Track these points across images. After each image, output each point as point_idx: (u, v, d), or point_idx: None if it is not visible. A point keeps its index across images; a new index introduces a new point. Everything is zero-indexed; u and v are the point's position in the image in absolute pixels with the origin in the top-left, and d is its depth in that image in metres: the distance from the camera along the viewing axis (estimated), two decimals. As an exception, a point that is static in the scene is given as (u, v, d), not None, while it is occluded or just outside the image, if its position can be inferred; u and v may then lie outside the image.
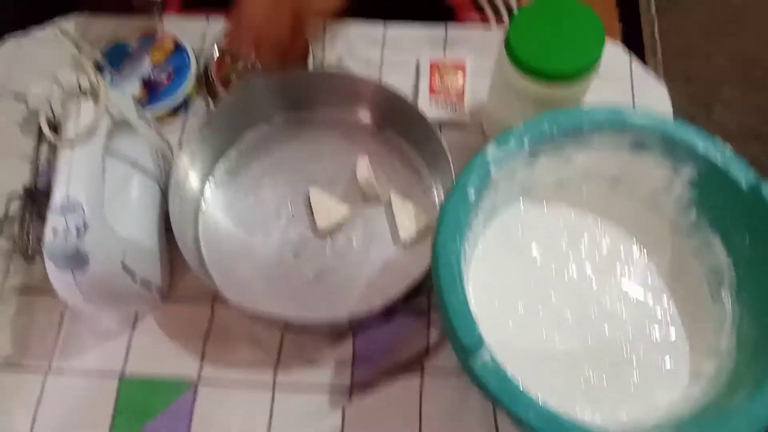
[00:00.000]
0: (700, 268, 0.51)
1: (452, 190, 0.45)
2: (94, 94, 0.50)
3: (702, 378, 0.47)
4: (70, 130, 0.49)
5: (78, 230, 0.46)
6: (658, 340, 0.49)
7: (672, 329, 0.49)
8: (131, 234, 0.52)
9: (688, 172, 0.48)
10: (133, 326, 0.57)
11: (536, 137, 0.47)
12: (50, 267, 0.47)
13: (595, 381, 0.48)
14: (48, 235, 0.46)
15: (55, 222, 0.46)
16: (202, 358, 0.56)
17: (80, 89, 0.50)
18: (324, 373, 0.55)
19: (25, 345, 0.56)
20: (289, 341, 0.56)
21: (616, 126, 0.47)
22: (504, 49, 0.52)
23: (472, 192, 0.45)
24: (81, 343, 0.56)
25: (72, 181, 0.47)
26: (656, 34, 1.02)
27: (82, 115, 0.49)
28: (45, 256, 0.46)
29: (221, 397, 0.54)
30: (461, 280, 0.42)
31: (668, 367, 0.48)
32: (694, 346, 0.49)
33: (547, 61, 0.50)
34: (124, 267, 0.49)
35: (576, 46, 0.51)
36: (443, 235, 0.43)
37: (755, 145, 0.98)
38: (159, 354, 0.56)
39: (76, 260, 0.45)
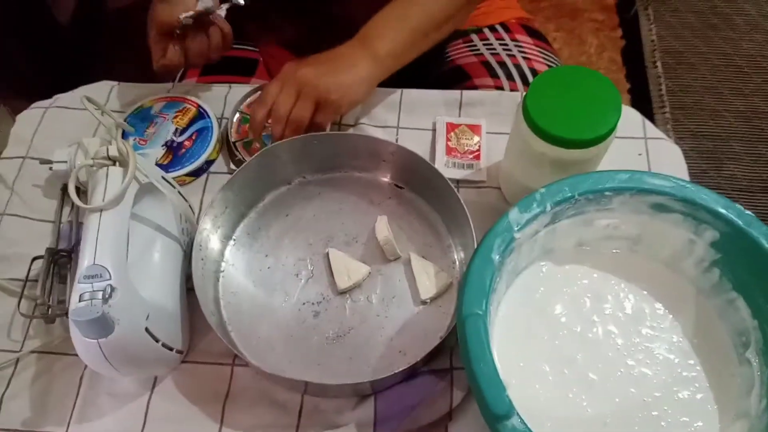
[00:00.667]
0: (725, 329, 0.50)
1: (476, 255, 0.46)
2: (123, 162, 0.52)
3: (734, 441, 0.46)
4: (98, 196, 0.50)
5: (104, 295, 0.46)
6: (685, 401, 0.48)
7: (698, 390, 0.49)
8: (155, 297, 0.52)
9: (709, 234, 0.49)
10: (152, 388, 0.56)
11: (558, 201, 0.47)
12: (74, 332, 0.47)
13: (624, 445, 0.47)
14: (74, 300, 0.46)
15: (81, 288, 0.46)
16: (222, 421, 0.55)
17: (109, 157, 0.51)
18: (345, 437, 0.54)
19: (43, 409, 0.56)
20: (309, 403, 0.56)
21: (637, 189, 0.48)
22: (521, 114, 0.54)
23: (496, 257, 0.45)
24: (99, 406, 0.56)
25: (99, 247, 0.48)
26: (663, 92, 1.04)
27: (110, 182, 0.51)
28: (70, 321, 0.46)
29: (242, 462, 0.53)
30: (489, 346, 0.42)
31: (695, 426, 0.47)
32: (723, 407, 0.48)
33: (565, 128, 0.51)
34: (148, 331, 0.49)
35: (593, 112, 0.52)
36: (469, 300, 0.44)
37: (766, 198, 0.99)
38: (178, 417, 0.55)
39: (102, 325, 0.46)
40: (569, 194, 0.47)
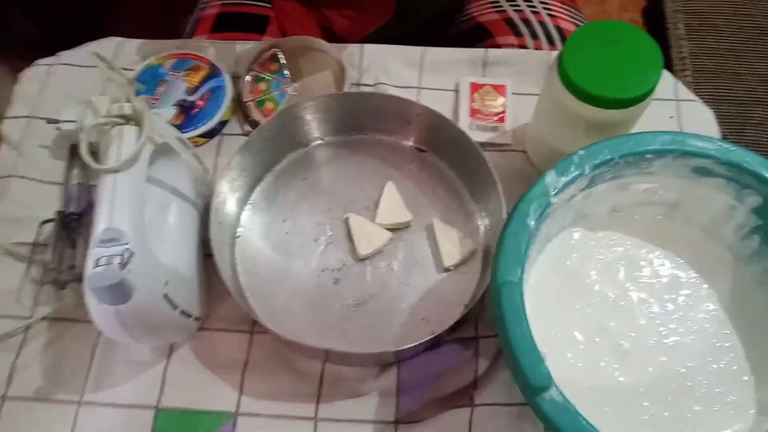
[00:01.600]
0: (763, 298, 0.49)
1: (510, 220, 0.44)
2: (138, 121, 0.49)
3: (772, 414, 0.45)
4: (112, 157, 0.47)
5: (122, 260, 0.44)
6: (720, 371, 0.47)
7: (734, 360, 0.48)
8: (172, 263, 0.51)
9: (752, 199, 0.47)
10: (169, 356, 0.55)
11: (597, 164, 0.45)
12: (90, 299, 0.45)
13: (657, 414, 0.46)
14: (89, 266, 0.44)
15: (98, 252, 0.44)
16: (241, 389, 0.54)
17: (122, 115, 0.49)
18: (368, 405, 0.53)
19: (56, 377, 0.54)
20: (330, 371, 0.54)
21: (680, 152, 0.46)
22: (556, 73, 0.51)
23: (531, 222, 0.43)
24: (114, 374, 0.54)
25: (115, 210, 0.46)
26: (685, 54, 1.00)
27: (124, 142, 0.48)
28: (86, 288, 0.44)
29: (262, 429, 0.52)
30: (525, 316, 0.40)
31: (731, 398, 0.46)
32: (759, 379, 0.47)
33: (604, 87, 0.48)
34: (167, 297, 0.47)
35: (633, 70, 0.49)
36: (504, 267, 0.42)
37: None
38: (196, 385, 0.54)
39: (120, 292, 0.44)
40: (609, 157, 0.45)
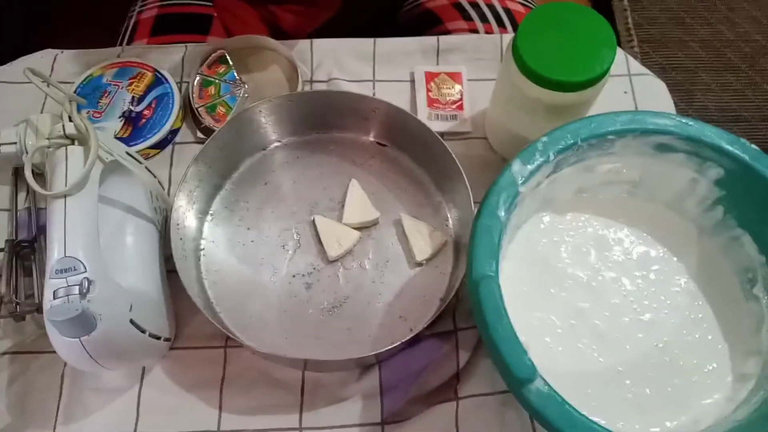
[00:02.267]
0: (731, 267, 0.50)
1: (481, 213, 0.43)
2: (82, 140, 0.46)
3: (748, 378, 0.46)
4: (59, 181, 0.45)
5: (81, 290, 0.42)
6: (696, 342, 0.48)
7: (708, 330, 0.49)
8: (136, 285, 0.48)
9: (713, 171, 0.47)
10: (141, 380, 0.53)
11: (561, 149, 0.45)
12: (52, 332, 0.43)
13: (640, 391, 0.46)
14: (47, 297, 0.42)
15: (54, 284, 0.42)
16: (220, 406, 0.52)
17: (66, 135, 0.46)
18: (352, 409, 0.52)
19: (23, 413, 0.51)
20: (311, 379, 0.53)
21: (640, 130, 0.46)
22: (512, 59, 0.50)
23: (502, 213, 0.43)
24: (85, 404, 0.52)
25: (69, 236, 0.43)
26: (630, 25, 1.02)
27: (71, 164, 0.45)
28: (46, 321, 0.42)
29: (246, 446, 0.51)
30: (505, 309, 0.40)
31: (709, 368, 0.47)
32: (734, 346, 0.48)
33: (560, 70, 0.48)
34: (133, 322, 0.45)
35: (588, 52, 0.49)
36: (479, 262, 0.41)
37: (737, 129, 0.99)
38: (173, 407, 0.52)
39: (83, 323, 0.41)
40: (572, 141, 0.45)
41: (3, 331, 0.54)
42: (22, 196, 0.60)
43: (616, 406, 0.46)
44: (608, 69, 0.49)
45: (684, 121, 0.46)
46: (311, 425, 0.51)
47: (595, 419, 0.44)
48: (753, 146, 0.45)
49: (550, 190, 0.49)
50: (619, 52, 0.66)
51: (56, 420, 0.51)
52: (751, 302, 0.48)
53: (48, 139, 0.46)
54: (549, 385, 0.38)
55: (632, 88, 0.65)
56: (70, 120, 0.47)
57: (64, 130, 0.47)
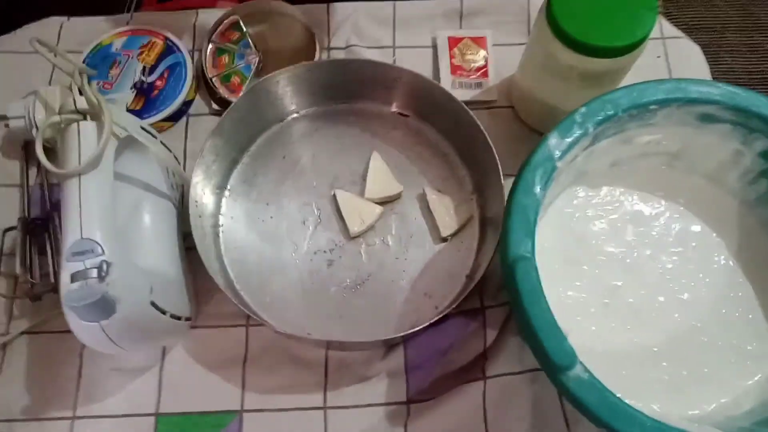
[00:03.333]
0: (773, 242, 0.48)
1: (516, 189, 0.41)
2: (95, 115, 0.44)
3: (789, 360, 0.44)
4: (72, 159, 0.43)
5: (100, 273, 0.40)
6: (735, 322, 0.46)
7: (748, 309, 0.47)
8: (155, 265, 0.47)
9: (760, 143, 0.45)
10: (162, 359, 0.52)
11: (600, 121, 0.42)
12: (71, 316, 0.41)
13: (676, 372, 0.45)
14: (64, 281, 0.40)
15: (71, 267, 0.40)
16: (243, 385, 0.51)
17: (77, 110, 0.44)
18: (377, 387, 0.51)
19: (44, 394, 0.51)
20: (335, 358, 0.52)
21: (685, 100, 0.43)
22: (545, 23, 0.47)
23: (538, 189, 0.41)
24: (106, 384, 0.51)
25: (85, 217, 0.41)
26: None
27: (84, 140, 0.43)
28: (64, 306, 0.40)
29: (270, 425, 0.50)
30: (542, 292, 0.38)
31: (749, 348, 0.46)
32: (775, 324, 0.46)
33: (598, 35, 0.45)
34: (154, 304, 0.44)
35: (627, 14, 0.46)
36: (515, 242, 0.39)
37: (765, 91, 0.94)
38: (195, 386, 0.51)
39: (102, 307, 0.40)
40: (612, 112, 0.42)
41: (20, 311, 0.53)
42: (33, 171, 0.58)
43: (652, 387, 0.44)
44: (649, 33, 0.46)
45: (731, 89, 0.43)
46: (336, 404, 0.51)
47: (629, 401, 0.43)
48: (804, 116, 0.43)
49: (585, 163, 0.47)
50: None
51: (76, 400, 0.51)
52: (795, 279, 0.46)
53: (59, 114, 0.44)
54: (589, 372, 0.37)
55: (666, 52, 0.62)
56: (81, 93, 0.45)
57: (75, 104, 0.44)
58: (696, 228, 0.49)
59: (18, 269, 0.51)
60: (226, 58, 0.60)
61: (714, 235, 0.49)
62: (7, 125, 0.55)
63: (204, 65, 0.60)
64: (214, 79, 0.59)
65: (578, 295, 0.47)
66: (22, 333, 0.52)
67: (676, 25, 0.69)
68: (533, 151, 0.42)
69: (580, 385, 0.36)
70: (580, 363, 0.37)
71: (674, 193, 0.49)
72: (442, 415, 0.49)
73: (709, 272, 0.48)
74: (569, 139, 0.42)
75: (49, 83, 0.61)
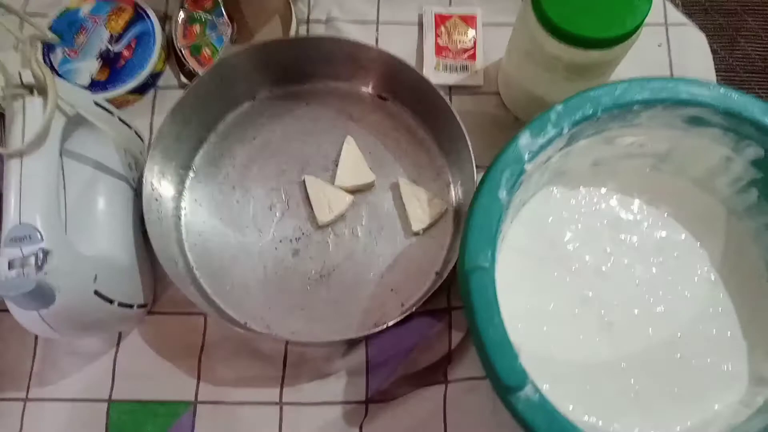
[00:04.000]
0: (760, 256, 0.45)
1: (479, 193, 0.38)
2: (42, 90, 0.42)
3: (766, 383, 0.41)
4: (16, 137, 0.41)
5: (37, 261, 0.38)
6: (712, 338, 0.44)
7: (727, 325, 0.44)
8: (103, 251, 0.45)
9: (751, 150, 0.41)
10: (117, 344, 0.51)
11: (577, 121, 0.39)
12: (11, 305, 0.40)
13: (644, 389, 0.42)
14: (2, 269, 0.38)
15: (9, 253, 0.39)
16: (198, 375, 0.50)
17: (23, 84, 0.41)
18: (336, 385, 0.49)
19: (-3, 373, 0.50)
20: (295, 353, 0.50)
21: (672, 101, 0.39)
22: (530, 8, 0.44)
23: (503, 193, 0.38)
24: (60, 367, 0.50)
25: (24, 201, 0.39)
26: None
27: (28, 117, 0.41)
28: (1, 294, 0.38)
29: (224, 417, 0.49)
30: (497, 307, 0.35)
31: (725, 368, 0.43)
32: (754, 344, 0.43)
33: (586, 24, 0.41)
34: (98, 293, 0.42)
35: (618, 2, 0.42)
36: (472, 251, 0.36)
37: None
38: (149, 374, 0.50)
39: (40, 296, 0.38)
40: (591, 111, 0.39)
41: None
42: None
43: (616, 404, 0.42)
44: (641, 24, 0.42)
45: (724, 91, 0.39)
46: (292, 400, 0.49)
47: (590, 418, 0.41)
48: (803, 125, 0.39)
49: (562, 164, 0.44)
50: (657, -3, 0.58)
51: (29, 381, 0.50)
52: (780, 297, 0.43)
53: (2, 90, 0.41)
54: (540, 393, 0.35)
55: (668, 39, 0.57)
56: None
57: (21, 78, 0.42)
58: (679, 237, 0.46)
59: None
60: (197, 28, 0.57)
61: (698, 245, 0.45)
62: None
63: (174, 35, 0.57)
64: (183, 50, 0.56)
65: (546, 303, 0.44)
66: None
67: (691, 7, 0.64)
68: (501, 151, 0.38)
69: (529, 407, 0.34)
70: (531, 383, 0.35)
71: (659, 198, 0.46)
72: (400, 417, 0.48)
73: (688, 285, 0.45)
74: (542, 140, 0.38)
75: (15, 49, 0.58)
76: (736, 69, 0.89)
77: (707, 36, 0.61)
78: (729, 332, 0.43)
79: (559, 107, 0.39)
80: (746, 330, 0.43)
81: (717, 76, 0.58)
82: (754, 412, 0.40)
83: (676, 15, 0.58)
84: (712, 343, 0.43)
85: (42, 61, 0.52)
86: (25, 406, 0.49)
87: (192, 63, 0.56)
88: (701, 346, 0.43)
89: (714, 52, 0.60)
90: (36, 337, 0.50)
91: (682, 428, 0.41)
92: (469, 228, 0.37)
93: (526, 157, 0.38)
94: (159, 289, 0.51)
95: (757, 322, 0.44)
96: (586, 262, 0.45)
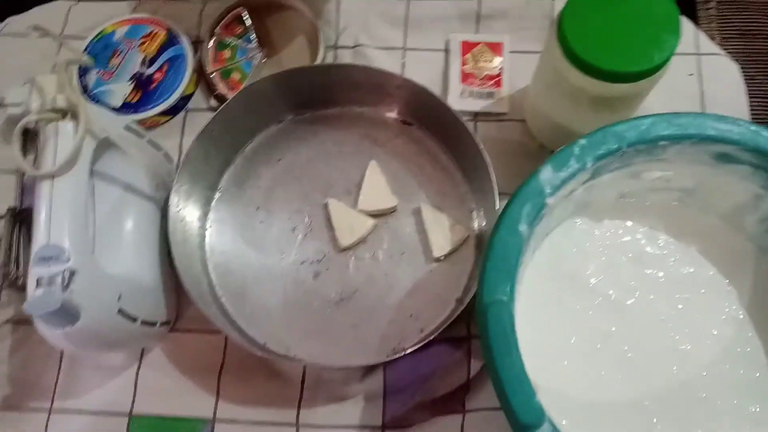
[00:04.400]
0: (790, 297, 0.43)
1: (498, 226, 0.38)
2: (74, 114, 0.43)
3: (794, 428, 0.40)
4: (48, 159, 0.42)
5: (63, 281, 0.39)
6: (739, 380, 0.42)
7: (755, 366, 0.43)
8: (129, 271, 0.46)
9: (783, 188, 0.40)
10: (140, 360, 0.51)
11: (602, 156, 0.38)
12: (37, 321, 0.41)
13: (666, 430, 0.41)
14: (30, 286, 0.40)
15: (37, 272, 0.40)
16: (218, 393, 0.50)
17: (56, 108, 0.43)
18: (353, 409, 0.49)
19: (24, 384, 0.51)
20: (313, 374, 0.50)
21: (699, 137, 0.39)
22: (556, 40, 0.43)
23: (524, 227, 0.37)
24: (84, 379, 0.51)
25: (54, 222, 0.41)
26: (712, 13, 0.89)
27: (60, 140, 0.42)
28: (26, 311, 0.40)
29: (241, 437, 0.49)
30: (515, 342, 0.35)
31: (752, 410, 0.42)
32: (784, 387, 0.42)
33: (612, 58, 0.41)
34: (122, 312, 0.43)
35: (646, 35, 0.42)
36: (491, 284, 0.36)
37: None
38: (170, 390, 0.50)
39: (64, 315, 0.39)
40: (615, 146, 0.39)
41: (7, 299, 0.53)
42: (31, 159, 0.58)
43: (638, 445, 0.41)
44: (669, 58, 0.42)
45: (753, 129, 0.39)
46: (309, 422, 0.49)
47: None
48: (836, 164, 0.38)
49: (586, 196, 0.43)
50: (688, 25, 0.57)
51: (54, 393, 0.51)
52: (811, 339, 0.42)
53: (37, 113, 0.43)
54: (557, 431, 0.34)
55: (699, 70, 0.56)
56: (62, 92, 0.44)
57: (55, 102, 0.43)
58: (707, 273, 0.45)
59: (2, 259, 0.51)
60: (227, 53, 0.58)
61: (726, 282, 0.44)
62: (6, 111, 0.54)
63: (205, 59, 0.58)
64: (214, 75, 0.57)
65: (567, 338, 0.43)
66: (6, 322, 0.52)
67: (728, 31, 0.63)
68: (522, 185, 0.38)
69: (546, 448, 0.34)
70: (549, 422, 0.34)
71: (686, 233, 0.45)
72: (416, 444, 0.47)
73: (715, 323, 0.43)
74: (564, 174, 0.38)
75: (52, 72, 0.60)
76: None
77: (743, 61, 0.59)
78: (758, 373, 0.42)
79: (583, 141, 0.39)
80: (776, 371, 0.42)
81: (753, 102, 0.57)
82: (781, 458, 0.39)
83: (708, 44, 0.57)
84: (739, 383, 0.42)
85: (77, 85, 0.54)
86: (49, 416, 0.50)
87: (222, 87, 0.57)
88: (727, 386, 0.42)
89: (750, 78, 0.59)
90: (62, 351, 0.52)
91: (707, 473, 0.40)
92: (487, 261, 0.37)
93: (548, 191, 0.38)
94: (182, 306, 0.52)
95: (787, 364, 0.42)
96: (609, 296, 0.44)
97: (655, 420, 0.41)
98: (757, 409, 0.41)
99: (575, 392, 0.42)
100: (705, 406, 0.42)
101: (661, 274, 0.45)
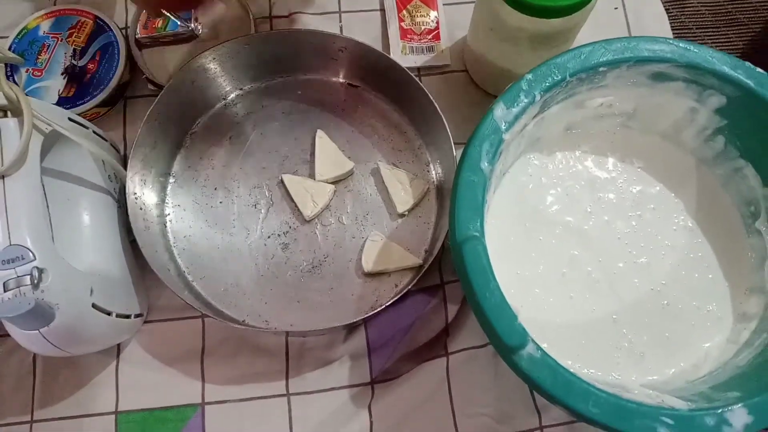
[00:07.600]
0: (732, 200, 0.47)
1: (462, 167, 0.39)
2: (16, 110, 0.41)
3: (750, 318, 0.44)
4: (-6, 159, 0.40)
5: (32, 280, 0.38)
6: (695, 283, 0.46)
7: (708, 269, 0.46)
8: (95, 265, 0.45)
9: (714, 100, 0.43)
10: (117, 356, 0.51)
11: (548, 87, 0.40)
12: (10, 326, 0.39)
13: (636, 338, 0.44)
14: (-3, 292, 0.38)
15: (3, 276, 0.38)
16: (203, 377, 0.50)
17: (-4, 107, 0.41)
18: (340, 371, 0.50)
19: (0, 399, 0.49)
20: (296, 344, 0.51)
21: (635, 59, 0.41)
22: (489, -18, 0.45)
23: (485, 164, 0.39)
24: (62, 385, 0.50)
25: (12, 222, 0.39)
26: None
27: (5, 138, 0.41)
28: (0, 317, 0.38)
29: (233, 415, 0.49)
30: (492, 272, 0.37)
31: (708, 309, 0.45)
32: (735, 284, 0.45)
33: (545, -7, 0.43)
34: (96, 306, 0.42)
35: (575, -31, 0.43)
36: (462, 221, 0.38)
37: (731, 32, 0.92)
38: (153, 382, 0.50)
39: (39, 315, 0.38)
40: (559, 77, 0.40)
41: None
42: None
43: (612, 355, 0.44)
44: (599, -12, 0.44)
45: (682, 45, 0.41)
46: (299, 390, 0.50)
47: (589, 371, 0.43)
48: (758, 70, 0.41)
49: (536, 130, 0.45)
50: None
51: (33, 404, 0.49)
52: (754, 237, 0.45)
53: (-23, 108, 0.41)
54: (542, 350, 0.36)
55: (623, 2, 0.59)
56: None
57: (-8, 100, 0.41)
58: (654, 189, 0.48)
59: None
60: (159, 21, 0.56)
61: (673, 195, 0.47)
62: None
63: (135, 32, 0.56)
64: (144, 60, 0.56)
65: (535, 267, 0.46)
66: (-30, 337, 0.50)
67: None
68: (478, 125, 0.40)
69: (533, 364, 0.36)
70: (532, 341, 0.36)
71: (631, 155, 0.48)
72: (406, 392, 0.49)
73: (668, 234, 0.47)
74: (516, 109, 0.40)
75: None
76: (689, 26, 0.91)
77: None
78: (711, 275, 0.46)
79: (529, 76, 0.40)
80: (726, 271, 0.46)
81: (675, 35, 0.60)
82: (740, 347, 0.42)
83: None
84: (696, 287, 0.45)
85: (11, 82, 0.52)
86: (31, 428, 0.49)
87: (149, 68, 0.55)
88: (686, 291, 0.45)
89: (666, 11, 0.62)
90: (34, 359, 0.50)
91: (676, 371, 0.43)
92: (456, 200, 0.38)
93: (503, 127, 0.40)
94: (152, 298, 0.51)
95: (735, 264, 0.46)
96: (568, 223, 0.47)
97: (625, 331, 0.44)
98: (715, 308, 0.45)
99: (549, 317, 0.44)
100: (668, 311, 0.45)
101: (612, 196, 0.47)
